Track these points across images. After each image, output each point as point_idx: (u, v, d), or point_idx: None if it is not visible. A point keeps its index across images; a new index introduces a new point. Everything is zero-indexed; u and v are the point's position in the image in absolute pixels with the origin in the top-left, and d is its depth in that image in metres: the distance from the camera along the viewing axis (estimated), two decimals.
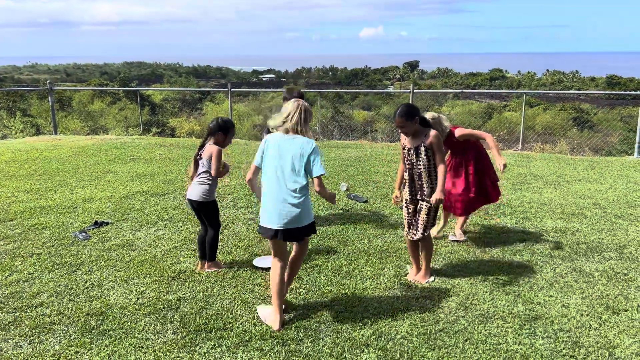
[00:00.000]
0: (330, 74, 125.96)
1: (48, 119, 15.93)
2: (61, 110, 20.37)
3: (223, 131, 4.37)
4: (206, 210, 4.39)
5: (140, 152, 9.89)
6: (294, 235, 3.52)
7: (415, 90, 11.81)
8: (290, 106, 3.54)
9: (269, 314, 3.59)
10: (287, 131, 3.52)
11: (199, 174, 4.36)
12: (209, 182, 4.35)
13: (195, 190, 4.33)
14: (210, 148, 4.29)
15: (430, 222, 4.14)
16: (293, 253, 3.73)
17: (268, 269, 4.45)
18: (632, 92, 15.44)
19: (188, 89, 39.58)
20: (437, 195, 3.96)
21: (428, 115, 4.47)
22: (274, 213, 3.46)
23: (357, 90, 54.42)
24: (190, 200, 4.39)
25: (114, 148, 10.38)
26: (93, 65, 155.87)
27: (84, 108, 21.54)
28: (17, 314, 3.70)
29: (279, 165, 3.48)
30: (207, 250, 4.43)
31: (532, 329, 3.51)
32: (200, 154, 4.35)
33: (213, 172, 4.29)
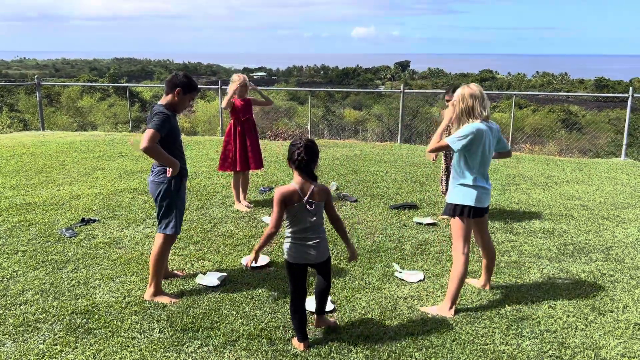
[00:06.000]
0: (322, 72, 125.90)
1: (35, 114, 15.75)
2: (50, 105, 20.16)
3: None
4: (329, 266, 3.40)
5: (129, 149, 9.81)
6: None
7: (406, 90, 11.83)
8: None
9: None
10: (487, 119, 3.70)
11: (319, 228, 3.24)
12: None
13: (321, 250, 3.25)
14: (322, 189, 3.22)
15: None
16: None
17: (256, 268, 4.44)
18: (620, 95, 15.60)
19: None
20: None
21: None
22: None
23: (349, 90, 54.42)
24: (317, 264, 3.29)
25: (103, 144, 10.30)
26: (82, 60, 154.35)
27: (72, 104, 21.32)
28: (1, 312, 3.65)
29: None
30: (322, 303, 3.43)
31: (519, 330, 3.52)
32: (309, 200, 3.16)
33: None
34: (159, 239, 3.84)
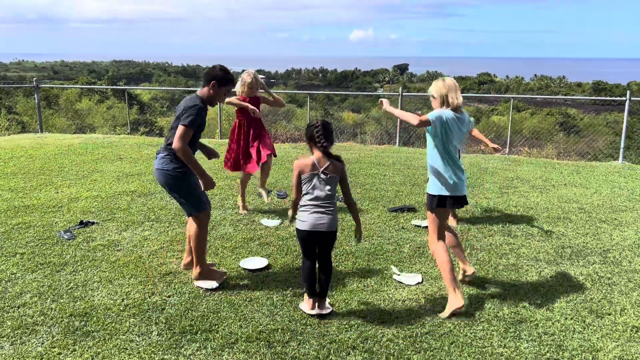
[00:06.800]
0: (320, 75, 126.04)
1: (34, 116, 15.75)
2: (48, 108, 20.15)
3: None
4: (334, 240, 3.69)
5: (128, 152, 9.81)
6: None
7: (404, 94, 11.85)
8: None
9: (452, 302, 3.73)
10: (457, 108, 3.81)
11: (332, 199, 3.59)
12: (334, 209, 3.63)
13: (332, 219, 3.56)
14: (336, 165, 3.59)
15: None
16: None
17: (254, 271, 4.44)
18: (618, 98, 15.61)
19: (177, 88, 39.34)
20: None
21: None
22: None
23: (347, 93, 54.49)
24: (325, 233, 3.56)
25: (101, 147, 10.29)
26: (81, 63, 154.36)
27: (71, 106, 21.32)
28: None
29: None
30: (326, 285, 3.69)
31: (517, 332, 3.53)
32: (325, 171, 3.55)
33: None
34: (190, 225, 3.97)
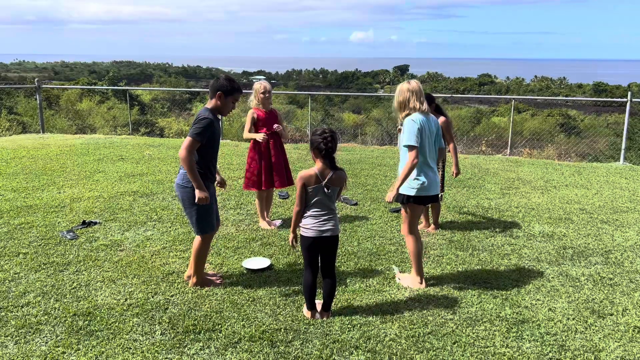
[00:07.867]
0: (321, 76, 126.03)
1: (34, 117, 15.77)
2: (49, 108, 20.15)
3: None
4: (337, 244, 3.68)
5: (129, 152, 9.83)
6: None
7: None
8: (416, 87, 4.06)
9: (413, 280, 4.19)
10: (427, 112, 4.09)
11: (334, 208, 3.61)
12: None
13: (335, 224, 3.58)
14: (340, 176, 3.53)
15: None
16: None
17: (257, 271, 4.45)
18: (618, 99, 15.61)
19: (177, 89, 39.34)
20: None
21: None
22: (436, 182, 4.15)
23: (348, 93, 54.51)
24: (331, 237, 3.57)
25: (103, 147, 10.31)
26: (81, 64, 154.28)
27: (71, 107, 21.31)
28: (3, 313, 3.66)
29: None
30: (330, 300, 3.69)
31: (519, 332, 3.54)
32: (327, 184, 3.49)
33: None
34: (195, 240, 4.06)
